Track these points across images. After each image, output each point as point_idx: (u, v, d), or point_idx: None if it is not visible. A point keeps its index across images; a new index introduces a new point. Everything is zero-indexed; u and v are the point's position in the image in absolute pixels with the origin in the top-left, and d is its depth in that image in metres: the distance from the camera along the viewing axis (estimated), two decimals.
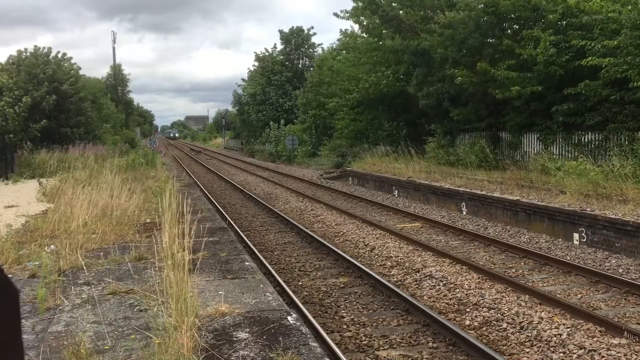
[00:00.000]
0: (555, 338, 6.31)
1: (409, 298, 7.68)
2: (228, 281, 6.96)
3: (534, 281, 8.88)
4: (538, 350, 6.10)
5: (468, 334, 6.36)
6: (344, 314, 7.49)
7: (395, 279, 9.17)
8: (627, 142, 14.62)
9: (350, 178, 25.48)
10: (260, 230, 14.04)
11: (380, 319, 7.24)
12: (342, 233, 13.16)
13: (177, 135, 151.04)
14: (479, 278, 8.85)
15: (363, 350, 6.28)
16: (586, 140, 16.55)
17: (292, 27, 51.93)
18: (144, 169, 22.41)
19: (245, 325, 5.28)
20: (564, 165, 14.22)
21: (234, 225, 14.00)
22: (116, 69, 51.29)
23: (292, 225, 14.11)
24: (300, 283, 9.06)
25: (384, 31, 23.58)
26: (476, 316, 7.21)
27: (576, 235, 11.37)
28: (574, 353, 5.96)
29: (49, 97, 28.62)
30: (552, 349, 6.10)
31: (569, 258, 10.24)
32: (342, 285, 8.87)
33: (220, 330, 5.14)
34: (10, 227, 9.82)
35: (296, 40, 51.16)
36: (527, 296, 7.83)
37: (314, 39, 52.12)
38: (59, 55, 31.77)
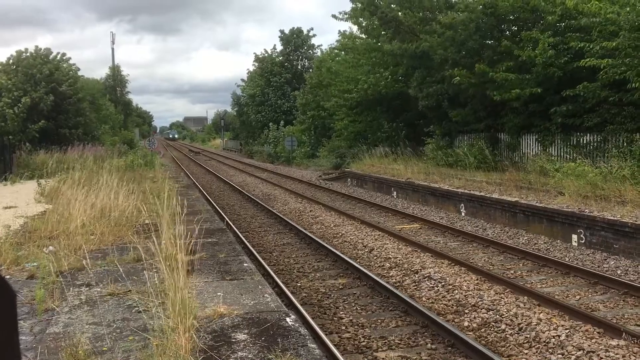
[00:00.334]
0: (553, 339, 6.31)
1: (408, 299, 7.68)
2: (226, 282, 6.95)
3: (532, 282, 8.88)
4: (537, 352, 6.10)
5: (467, 335, 6.36)
6: (343, 315, 7.49)
7: (394, 280, 9.16)
8: (625, 144, 14.63)
9: (349, 179, 25.48)
10: (259, 231, 14.04)
11: (379, 320, 7.23)
12: (340, 234, 13.16)
13: (176, 136, 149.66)
14: (477, 279, 8.85)
15: (362, 352, 6.28)
16: (585, 142, 16.56)
17: (292, 28, 52.01)
18: (142, 170, 22.39)
19: (244, 327, 5.27)
20: (562, 167, 14.24)
21: (233, 226, 13.99)
22: (115, 70, 51.26)
23: (291, 227, 14.10)
24: (298, 284, 9.06)
25: (382, 32, 23.59)
26: (475, 317, 7.21)
27: (575, 237, 11.37)
28: (572, 354, 5.96)
29: (47, 97, 28.58)
30: (550, 350, 6.11)
31: (567, 259, 10.25)
32: (340, 287, 8.87)
33: (218, 332, 5.13)
34: (9, 228, 9.81)
35: (296, 41, 51.19)
36: (525, 297, 7.84)
37: (313, 41, 52.18)
38: (58, 56, 31.75)
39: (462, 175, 18.05)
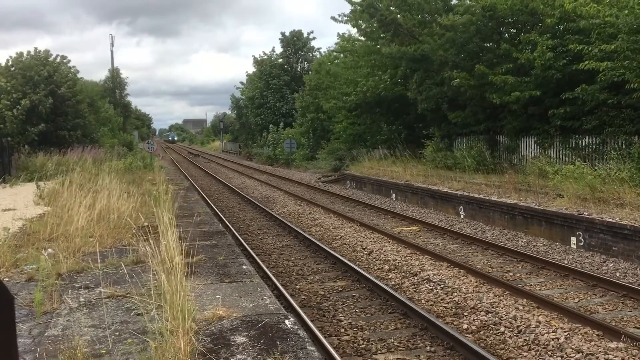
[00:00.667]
0: (552, 342, 6.31)
1: (407, 302, 7.68)
2: (225, 285, 6.95)
3: (531, 285, 8.88)
4: (536, 354, 6.10)
5: (466, 338, 6.36)
6: (342, 317, 7.49)
7: (393, 283, 9.16)
8: (624, 146, 14.65)
9: (348, 181, 25.49)
10: (258, 233, 14.03)
11: (378, 323, 7.23)
12: (340, 236, 13.16)
13: (175, 138, 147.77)
14: (476, 282, 8.86)
15: (361, 354, 6.27)
16: (583, 144, 16.58)
17: (293, 30, 52.06)
18: (141, 172, 22.39)
19: (243, 329, 5.27)
20: (561, 169, 14.25)
21: (232, 228, 13.99)
22: (114, 72, 51.28)
23: (290, 229, 14.10)
24: (298, 286, 9.05)
25: (381, 35, 23.62)
26: (474, 320, 7.21)
27: (574, 239, 11.38)
28: (571, 357, 5.96)
29: (46, 100, 28.58)
30: (549, 352, 6.11)
31: (566, 262, 10.25)
32: (340, 289, 8.86)
33: (217, 334, 5.13)
34: (8, 230, 9.79)
35: (296, 44, 51.25)
36: (524, 300, 7.84)
37: (313, 43, 52.27)
38: (58, 59, 31.75)
39: (461, 178, 18.06)
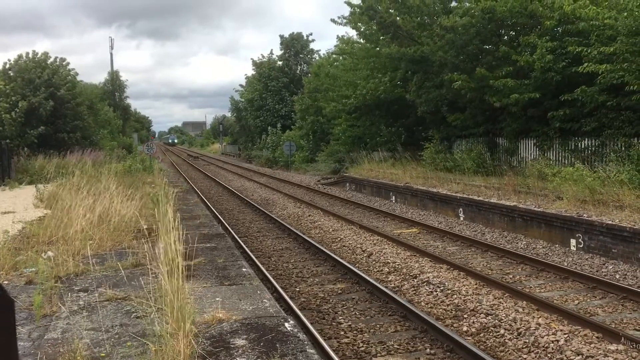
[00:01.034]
0: (552, 344, 6.31)
1: (407, 304, 7.68)
2: (225, 287, 6.94)
3: (531, 287, 8.88)
4: (535, 357, 6.10)
5: (466, 340, 6.36)
6: (342, 320, 7.49)
7: (393, 285, 9.16)
8: (623, 148, 14.66)
9: (347, 184, 25.49)
10: (258, 236, 14.03)
11: (378, 325, 7.23)
12: (339, 239, 13.15)
13: (175, 141, 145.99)
14: (476, 284, 8.85)
15: (360, 357, 6.27)
16: (583, 146, 16.59)
17: (292, 33, 52.13)
18: (141, 175, 22.37)
19: (243, 332, 5.27)
20: (560, 171, 14.25)
21: (231, 231, 13.99)
22: (113, 75, 51.31)
23: (290, 231, 14.10)
24: (297, 289, 9.05)
25: (381, 38, 23.65)
26: (474, 322, 7.21)
27: (573, 241, 11.38)
28: (571, 359, 5.96)
29: (47, 102, 28.58)
30: (549, 355, 6.10)
31: (566, 264, 10.25)
32: (339, 291, 8.86)
33: (217, 337, 5.12)
34: (7, 233, 9.78)
35: (296, 46, 51.29)
36: (524, 302, 7.84)
37: (312, 46, 52.34)
38: (57, 61, 31.75)
39: (460, 180, 18.07)
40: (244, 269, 8.02)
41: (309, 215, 16.89)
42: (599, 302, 8.09)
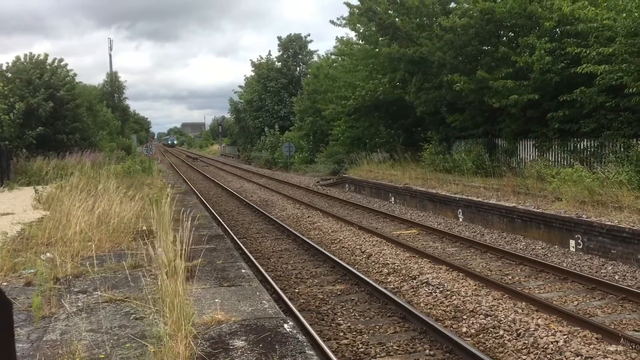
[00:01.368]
0: (552, 345, 6.30)
1: (406, 305, 7.67)
2: (224, 289, 6.94)
3: (530, 288, 8.88)
4: (535, 358, 6.10)
5: (465, 342, 6.35)
6: (341, 321, 7.48)
7: (392, 286, 9.16)
8: (622, 149, 14.67)
9: (346, 185, 25.49)
10: (257, 237, 14.02)
11: (377, 326, 7.22)
12: (338, 240, 13.15)
13: (175, 142, 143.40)
14: (475, 285, 8.85)
15: (360, 358, 6.27)
16: (582, 147, 16.61)
17: (290, 34, 52.20)
18: (140, 176, 22.36)
19: (242, 334, 5.26)
20: (559, 172, 14.26)
21: (231, 232, 13.99)
22: (112, 76, 51.32)
23: (289, 233, 14.09)
24: (296, 290, 9.05)
25: (380, 38, 23.67)
26: (473, 323, 7.21)
27: (572, 242, 11.38)
28: None
29: (46, 104, 28.57)
30: (549, 356, 6.10)
31: (565, 265, 10.25)
32: (338, 293, 8.86)
33: (216, 339, 5.12)
34: (6, 234, 9.78)
35: (294, 47, 51.34)
36: (523, 303, 7.84)
37: (310, 46, 52.40)
38: (55, 62, 31.74)
39: (459, 181, 18.07)
40: (243, 270, 8.01)
41: (308, 217, 16.89)
42: (598, 302, 8.09)
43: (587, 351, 6.10)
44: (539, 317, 7.22)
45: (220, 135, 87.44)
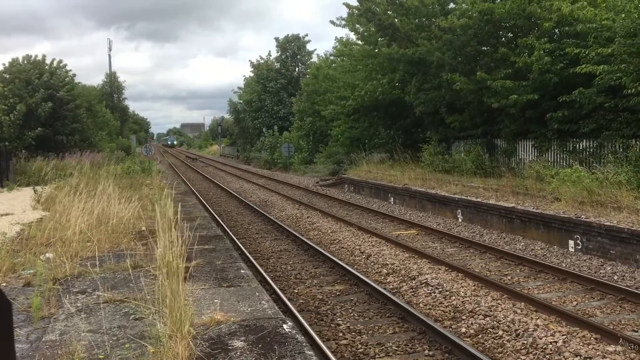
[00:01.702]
0: (551, 345, 6.31)
1: (405, 305, 7.67)
2: (224, 289, 6.94)
3: (529, 288, 8.89)
4: (534, 358, 6.10)
5: (464, 342, 6.36)
6: (340, 321, 7.48)
7: (391, 287, 9.16)
8: (621, 149, 14.68)
9: (346, 185, 25.49)
10: (256, 237, 14.02)
11: (377, 327, 7.23)
12: (338, 240, 13.15)
13: (175, 142, 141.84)
14: (474, 285, 8.86)
15: (359, 359, 6.27)
16: (581, 148, 16.62)
17: (288, 35, 52.22)
18: (139, 177, 22.36)
19: (241, 334, 5.27)
20: (558, 173, 14.27)
21: (230, 233, 13.99)
22: (112, 77, 51.33)
23: (288, 233, 14.10)
24: (296, 291, 9.05)
25: (379, 39, 23.69)
26: (472, 324, 7.21)
27: (571, 243, 11.39)
28: None
29: (45, 104, 28.57)
30: (548, 356, 6.11)
31: (564, 265, 10.26)
32: (338, 293, 8.86)
33: (215, 339, 5.12)
34: (5, 235, 9.78)
35: (292, 48, 51.36)
36: (522, 303, 7.84)
37: (309, 46, 52.42)
38: (54, 63, 31.76)
39: (458, 181, 18.08)
40: (242, 271, 8.02)
41: (308, 217, 16.89)
42: (597, 303, 8.10)
43: (586, 351, 6.10)
44: (538, 318, 7.22)
45: (219, 135, 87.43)
